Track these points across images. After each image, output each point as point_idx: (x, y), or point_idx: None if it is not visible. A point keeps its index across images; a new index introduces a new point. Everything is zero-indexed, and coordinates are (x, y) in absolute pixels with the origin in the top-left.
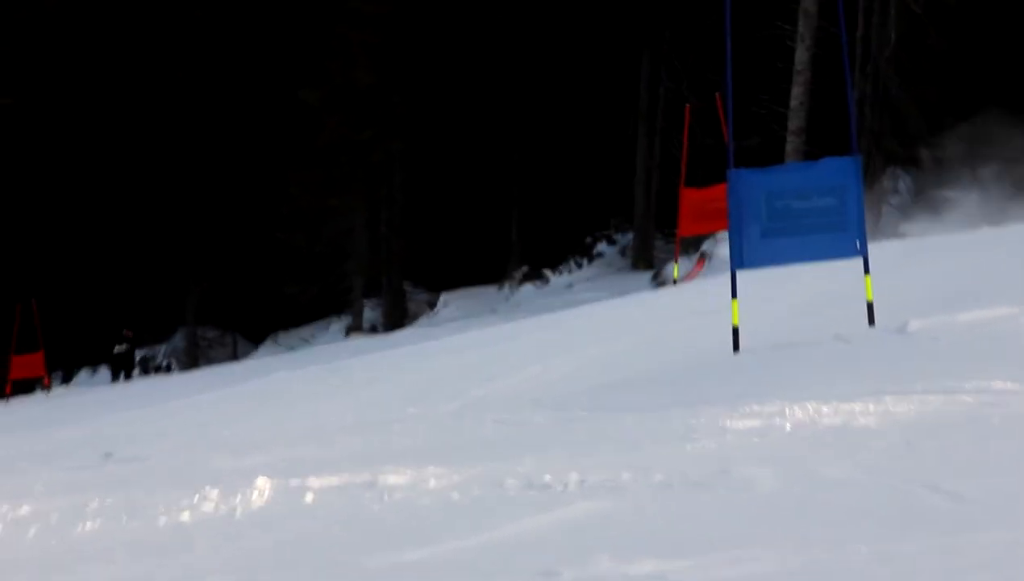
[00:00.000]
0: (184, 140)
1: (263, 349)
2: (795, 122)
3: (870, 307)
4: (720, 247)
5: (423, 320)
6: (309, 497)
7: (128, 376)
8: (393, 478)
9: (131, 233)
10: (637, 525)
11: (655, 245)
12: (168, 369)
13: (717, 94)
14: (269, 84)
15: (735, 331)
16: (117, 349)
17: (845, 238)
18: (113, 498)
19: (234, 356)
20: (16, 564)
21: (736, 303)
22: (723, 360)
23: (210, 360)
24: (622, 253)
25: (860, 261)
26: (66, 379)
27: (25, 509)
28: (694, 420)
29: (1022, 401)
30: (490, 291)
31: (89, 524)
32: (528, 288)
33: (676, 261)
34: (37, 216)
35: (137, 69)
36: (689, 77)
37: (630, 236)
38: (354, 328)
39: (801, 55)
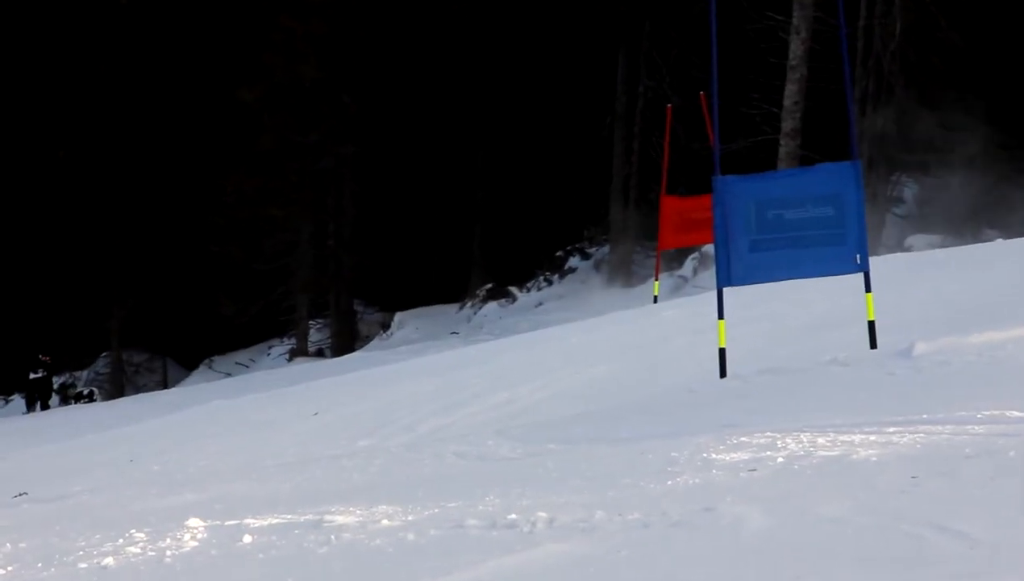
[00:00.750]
0: (105, 141)
1: (197, 375)
2: (789, 123)
3: (872, 327)
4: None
5: (375, 343)
6: (247, 539)
7: (45, 405)
8: (341, 518)
9: (46, 244)
10: (611, 569)
11: (634, 259)
12: (90, 397)
13: (702, 93)
14: (203, 80)
15: (722, 354)
16: (33, 375)
17: (844, 252)
18: (28, 542)
19: (164, 383)
20: None
21: (723, 324)
22: (709, 386)
23: (137, 387)
24: (597, 268)
25: (861, 277)
26: None
27: None
28: (675, 453)
29: None
30: (450, 310)
31: (11, 569)
32: (492, 307)
33: (656, 277)
34: None
35: (53, 61)
36: (671, 74)
37: (606, 249)
38: (298, 352)
39: (796, 49)
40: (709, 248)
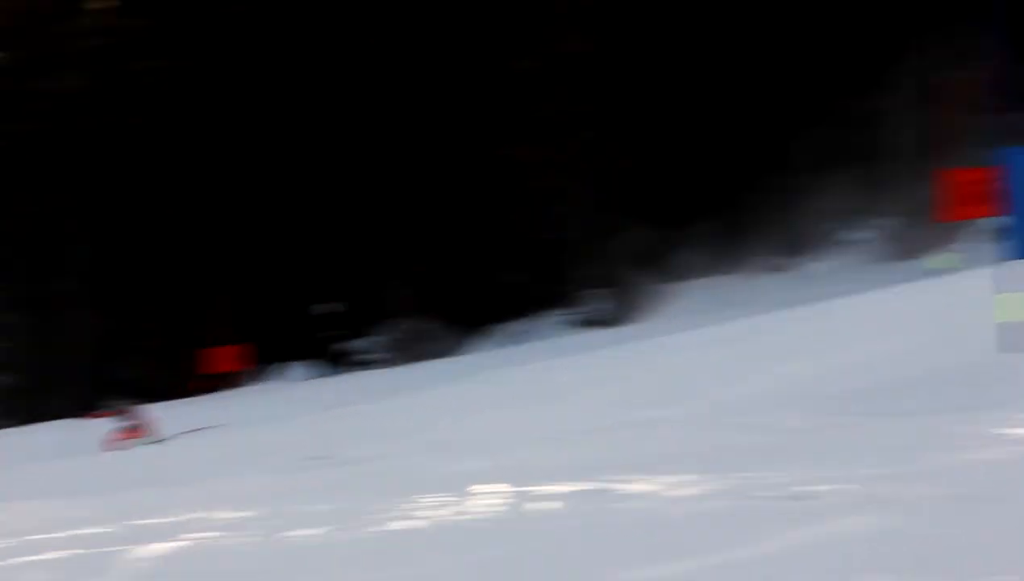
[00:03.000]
0: (408, 116)
1: (483, 343)
2: None
3: None
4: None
5: (656, 314)
6: (536, 505)
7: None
8: (630, 486)
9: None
10: (902, 542)
11: (913, 233)
12: (381, 362)
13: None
14: (480, 54)
15: (1003, 328)
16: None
17: None
18: (326, 504)
19: (451, 351)
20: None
21: (1006, 297)
22: (990, 359)
23: (425, 355)
24: (876, 241)
25: None
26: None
27: (228, 515)
28: (961, 427)
29: None
30: (724, 283)
31: (309, 531)
32: (766, 280)
33: (943, 250)
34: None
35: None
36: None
37: (886, 222)
38: (581, 321)
39: None
40: (991, 221)
